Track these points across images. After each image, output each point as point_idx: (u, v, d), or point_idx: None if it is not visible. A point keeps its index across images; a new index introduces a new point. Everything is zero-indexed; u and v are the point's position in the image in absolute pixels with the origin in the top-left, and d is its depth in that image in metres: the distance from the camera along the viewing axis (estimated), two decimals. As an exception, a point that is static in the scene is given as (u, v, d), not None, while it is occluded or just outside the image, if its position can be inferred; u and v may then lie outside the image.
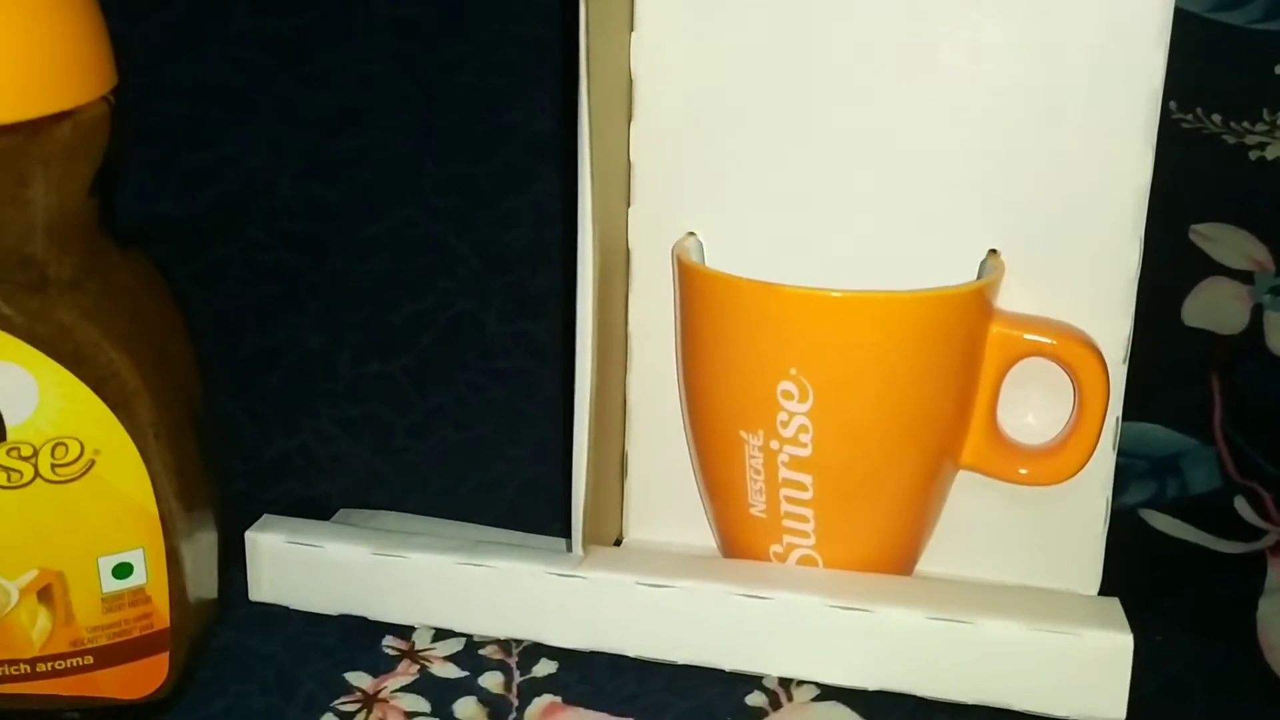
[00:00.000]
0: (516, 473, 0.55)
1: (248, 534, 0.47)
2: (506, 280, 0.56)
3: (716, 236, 0.47)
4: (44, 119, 0.35)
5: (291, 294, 0.56)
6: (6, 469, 0.37)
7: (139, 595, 0.40)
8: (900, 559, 0.46)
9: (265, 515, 0.48)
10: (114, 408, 0.38)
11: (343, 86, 0.55)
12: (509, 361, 0.56)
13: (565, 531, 0.47)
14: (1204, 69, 0.62)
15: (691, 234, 0.47)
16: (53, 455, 0.37)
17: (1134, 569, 0.48)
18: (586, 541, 0.45)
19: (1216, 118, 0.64)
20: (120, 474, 0.38)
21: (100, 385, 0.37)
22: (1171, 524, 0.55)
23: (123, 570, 0.39)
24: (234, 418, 0.54)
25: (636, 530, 0.50)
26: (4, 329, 0.36)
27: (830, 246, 0.46)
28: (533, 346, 0.56)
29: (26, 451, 0.37)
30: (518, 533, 0.50)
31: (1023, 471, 0.45)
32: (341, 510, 0.53)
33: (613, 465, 0.49)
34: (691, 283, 0.44)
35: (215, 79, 0.55)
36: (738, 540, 0.47)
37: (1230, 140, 0.64)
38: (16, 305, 0.36)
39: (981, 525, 0.47)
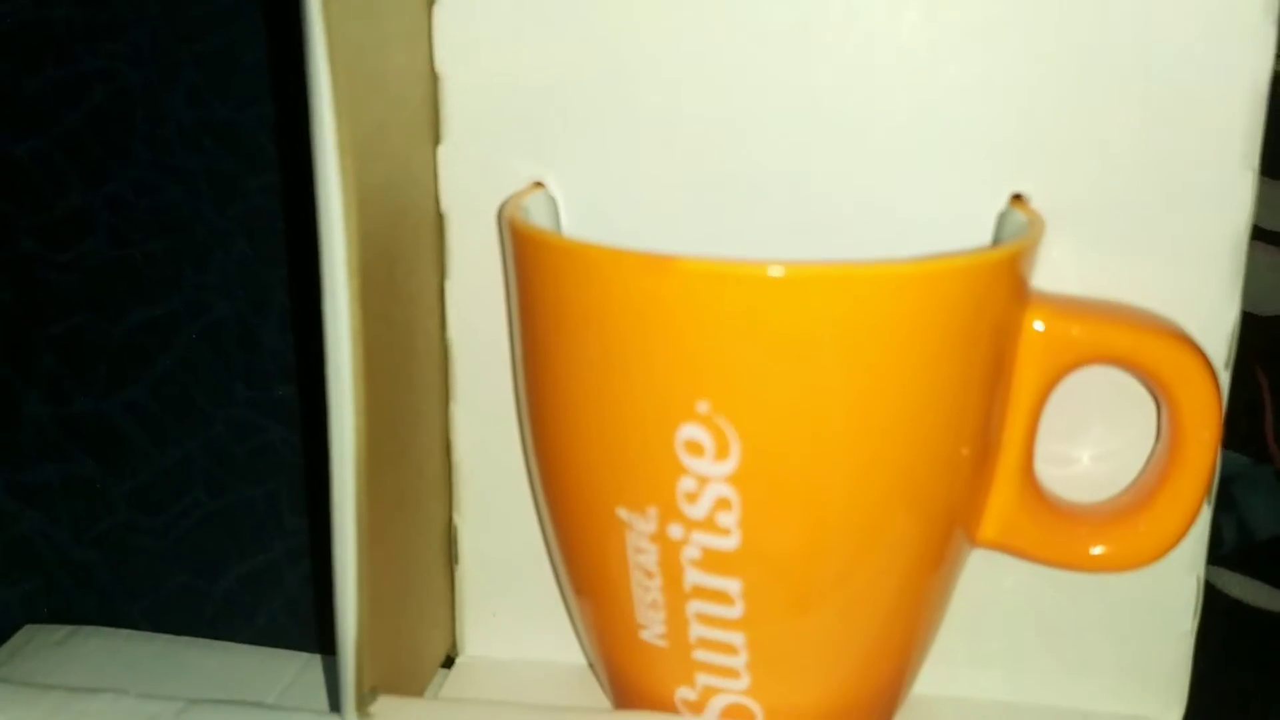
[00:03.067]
0: (299, 554, 0.37)
1: None
2: (291, 270, 0.38)
3: (578, 190, 0.30)
4: None
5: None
6: None
7: None
8: (880, 699, 0.29)
9: None
10: None
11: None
12: (293, 390, 0.38)
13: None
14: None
15: (538, 185, 0.30)
16: None
17: (1221, 664, 0.31)
18: (367, 700, 0.27)
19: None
20: None
21: None
22: (1247, 585, 0.39)
23: None
24: None
25: (477, 642, 0.32)
26: None
27: (757, 202, 0.29)
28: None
29: None
30: (287, 655, 0.32)
31: (1097, 551, 0.27)
32: (26, 628, 0.34)
33: (427, 552, 0.31)
34: (532, 262, 0.27)
35: None
36: (624, 676, 0.29)
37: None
38: None
39: (1001, 621, 0.31)
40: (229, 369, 0.38)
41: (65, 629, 0.34)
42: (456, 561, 0.32)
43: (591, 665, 0.31)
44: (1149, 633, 0.31)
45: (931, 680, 0.30)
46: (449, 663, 0.33)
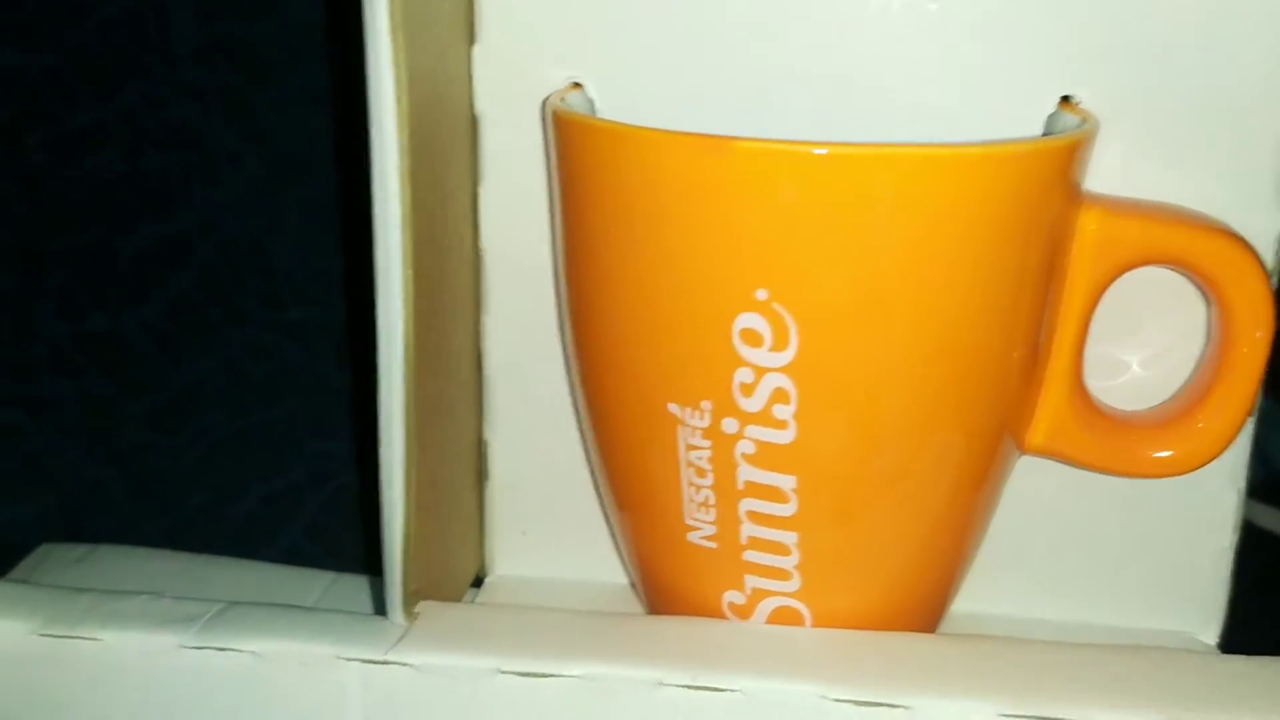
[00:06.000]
0: (320, 478, 0.36)
1: None
2: (305, 190, 0.37)
3: (615, 91, 0.29)
4: None
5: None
6: None
7: None
8: (928, 606, 0.28)
9: None
10: None
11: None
12: (307, 310, 0.37)
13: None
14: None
15: (576, 86, 0.29)
16: None
17: (1254, 590, 0.31)
18: (411, 602, 0.26)
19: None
20: None
21: None
22: (1274, 516, 0.39)
23: None
24: None
25: (507, 562, 0.31)
26: None
27: (797, 102, 0.29)
28: (345, 286, 0.38)
29: None
30: (312, 572, 0.31)
31: (1150, 453, 0.27)
32: (43, 546, 0.34)
33: (459, 466, 0.30)
34: (581, 151, 0.26)
35: None
36: (669, 585, 0.28)
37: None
38: None
39: (1039, 536, 0.30)
40: (244, 288, 0.37)
41: (83, 547, 0.33)
42: (486, 478, 0.32)
43: (632, 584, 0.31)
44: (1189, 549, 0.30)
45: (970, 595, 0.30)
46: (477, 583, 0.32)
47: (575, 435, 0.31)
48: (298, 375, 0.37)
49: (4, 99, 0.36)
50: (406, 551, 0.26)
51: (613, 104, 0.29)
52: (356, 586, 0.31)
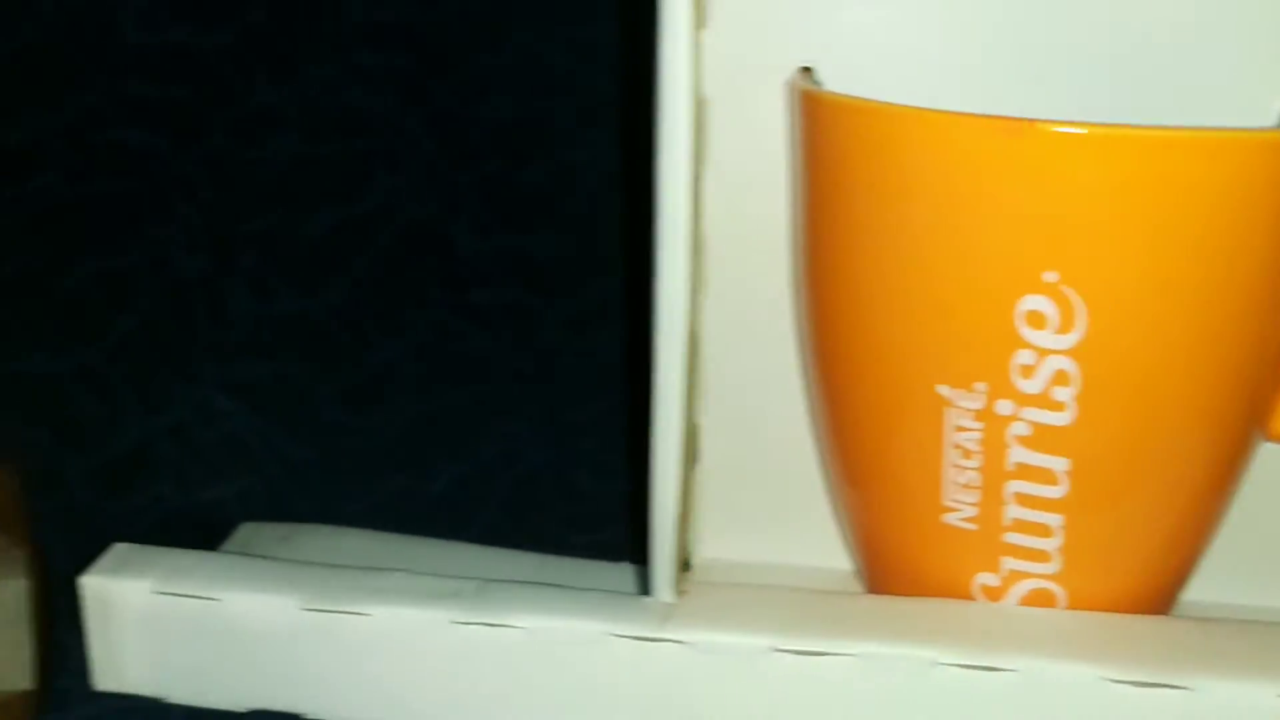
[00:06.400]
0: (509, 461, 0.36)
1: (85, 579, 0.27)
2: (480, 171, 0.38)
3: (847, 75, 0.29)
4: None
5: (150, 192, 0.36)
6: None
7: None
8: (1170, 589, 0.29)
9: (115, 545, 0.28)
10: None
11: None
12: (490, 293, 0.37)
13: (618, 555, 0.29)
14: None
15: (806, 70, 0.29)
16: None
17: None
18: (679, 580, 0.26)
19: None
20: None
21: None
22: None
23: None
24: (59, 382, 0.35)
25: (714, 545, 0.31)
26: None
27: (1040, 86, 0.29)
28: (526, 270, 0.38)
29: None
30: (542, 557, 0.31)
31: None
32: (244, 527, 0.34)
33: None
34: (849, 134, 0.26)
35: None
36: (912, 567, 0.28)
37: None
38: None
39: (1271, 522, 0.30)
40: (424, 272, 0.37)
41: (286, 526, 0.33)
42: (696, 461, 0.32)
43: (857, 572, 0.31)
44: None
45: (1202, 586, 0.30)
46: (684, 567, 0.32)
47: (789, 418, 0.31)
48: (481, 359, 0.37)
49: (185, 79, 0.36)
50: (680, 526, 0.26)
51: (844, 88, 0.30)
52: (570, 569, 0.31)
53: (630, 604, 0.26)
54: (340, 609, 0.26)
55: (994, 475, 0.26)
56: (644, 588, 0.28)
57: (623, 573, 0.30)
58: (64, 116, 0.36)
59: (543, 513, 0.35)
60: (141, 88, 0.36)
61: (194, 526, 0.34)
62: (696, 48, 0.24)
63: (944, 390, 0.26)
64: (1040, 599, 0.27)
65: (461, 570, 0.29)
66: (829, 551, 0.32)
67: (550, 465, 0.36)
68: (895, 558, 0.29)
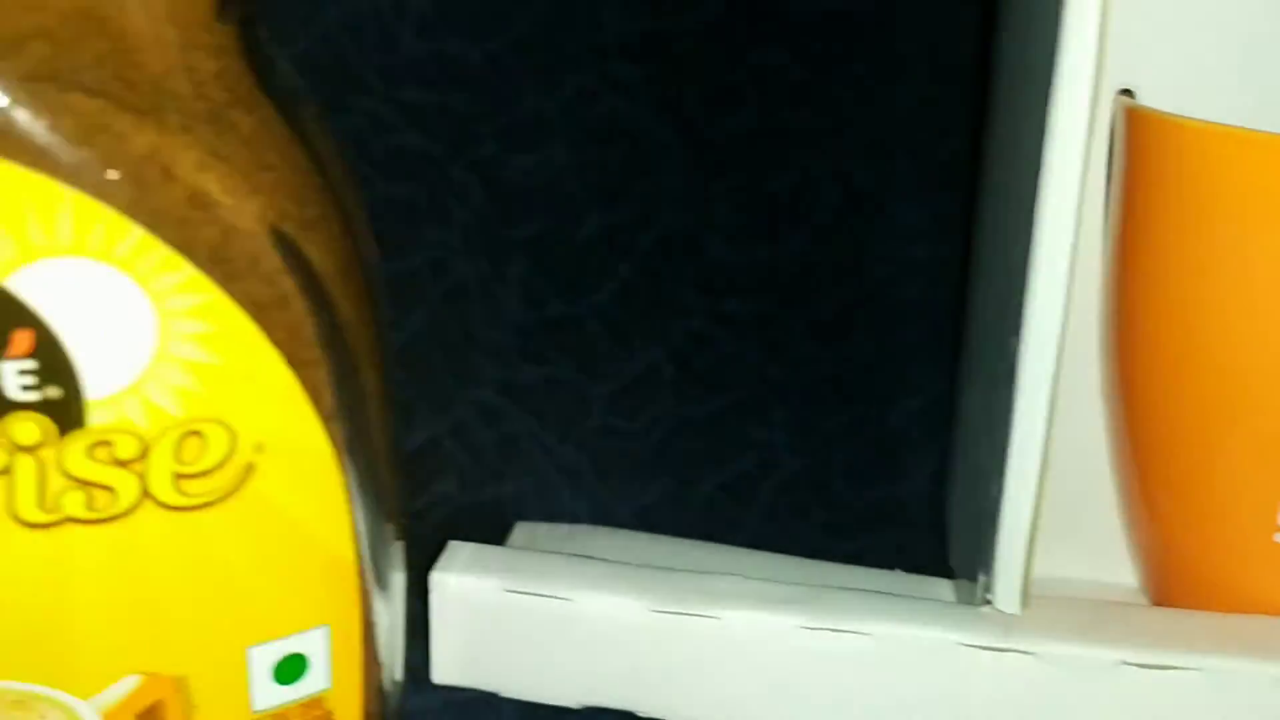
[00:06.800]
0: (765, 468, 0.37)
1: (435, 574, 0.28)
2: (729, 181, 0.38)
3: (1169, 98, 0.30)
4: None
5: (427, 198, 0.37)
6: (88, 486, 0.18)
7: (315, 710, 0.21)
8: None
9: (451, 543, 0.29)
10: (298, 363, 0.19)
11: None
12: (741, 303, 0.38)
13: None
14: None
15: (1126, 93, 0.30)
16: (177, 457, 0.19)
17: None
18: (1028, 591, 0.27)
19: None
20: (301, 493, 0.20)
21: (271, 313, 0.19)
22: None
23: (292, 668, 0.21)
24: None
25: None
26: (86, 186, 0.17)
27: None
28: (772, 280, 0.38)
29: (127, 450, 0.18)
30: (839, 566, 0.32)
31: None
32: (519, 526, 0.34)
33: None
34: (1216, 161, 0.27)
35: None
36: (1228, 585, 0.29)
37: None
38: (109, 138, 0.18)
39: None
40: (679, 279, 0.38)
41: (564, 527, 0.34)
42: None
43: (1143, 588, 0.31)
44: None
45: None
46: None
47: (1080, 435, 0.32)
48: (735, 366, 0.37)
49: (457, 88, 0.37)
50: (1031, 538, 0.26)
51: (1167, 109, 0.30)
52: (868, 578, 0.32)
53: (972, 614, 0.27)
54: (691, 611, 0.27)
55: (1333, 497, 0.27)
56: (965, 598, 0.28)
57: (927, 584, 0.31)
58: (336, 120, 0.37)
59: (803, 520, 0.36)
60: (417, 94, 0.37)
61: (474, 524, 0.34)
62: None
63: (1286, 412, 0.26)
64: (1362, 619, 0.28)
65: (770, 576, 0.29)
66: (1110, 566, 0.33)
67: (806, 472, 0.37)
68: (1213, 575, 0.29)
